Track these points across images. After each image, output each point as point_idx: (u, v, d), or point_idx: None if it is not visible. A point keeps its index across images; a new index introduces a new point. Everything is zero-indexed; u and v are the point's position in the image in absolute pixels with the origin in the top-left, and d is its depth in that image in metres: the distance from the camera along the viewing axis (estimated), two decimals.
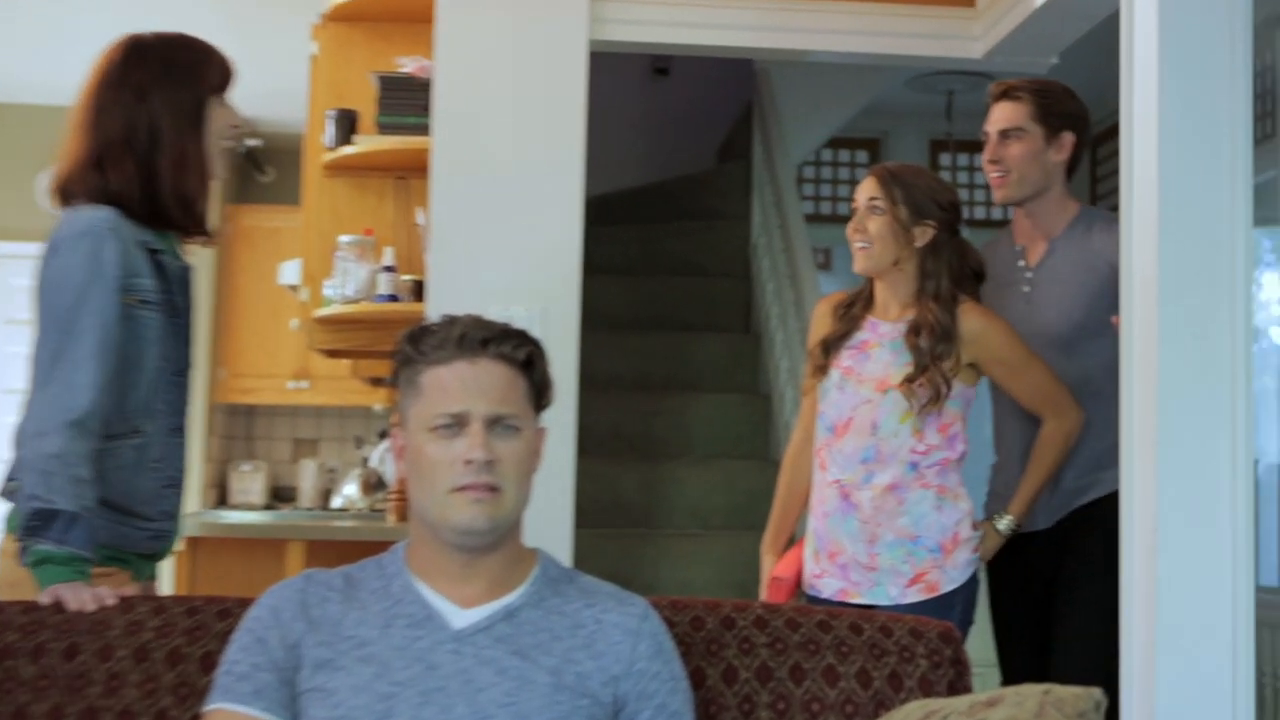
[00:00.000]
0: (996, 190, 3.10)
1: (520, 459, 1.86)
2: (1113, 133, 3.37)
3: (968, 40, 3.76)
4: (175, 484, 2.41)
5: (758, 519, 3.13)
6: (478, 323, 1.87)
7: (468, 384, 1.83)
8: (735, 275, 5.95)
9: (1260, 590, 2.90)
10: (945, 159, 7.29)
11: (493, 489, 1.82)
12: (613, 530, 4.84)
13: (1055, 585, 3.02)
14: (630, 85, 6.85)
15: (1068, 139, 3.08)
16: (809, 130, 6.63)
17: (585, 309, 3.74)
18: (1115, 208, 2.86)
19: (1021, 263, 3.13)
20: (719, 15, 3.83)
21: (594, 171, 3.86)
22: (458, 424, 1.82)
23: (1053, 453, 2.97)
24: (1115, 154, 2.98)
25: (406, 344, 1.88)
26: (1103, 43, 3.33)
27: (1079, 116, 3.11)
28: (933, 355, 2.86)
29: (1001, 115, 3.08)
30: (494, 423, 1.83)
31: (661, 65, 6.97)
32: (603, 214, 6.32)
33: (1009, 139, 3.06)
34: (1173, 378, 2.66)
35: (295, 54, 4.80)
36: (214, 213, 2.51)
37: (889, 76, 6.10)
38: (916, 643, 2.05)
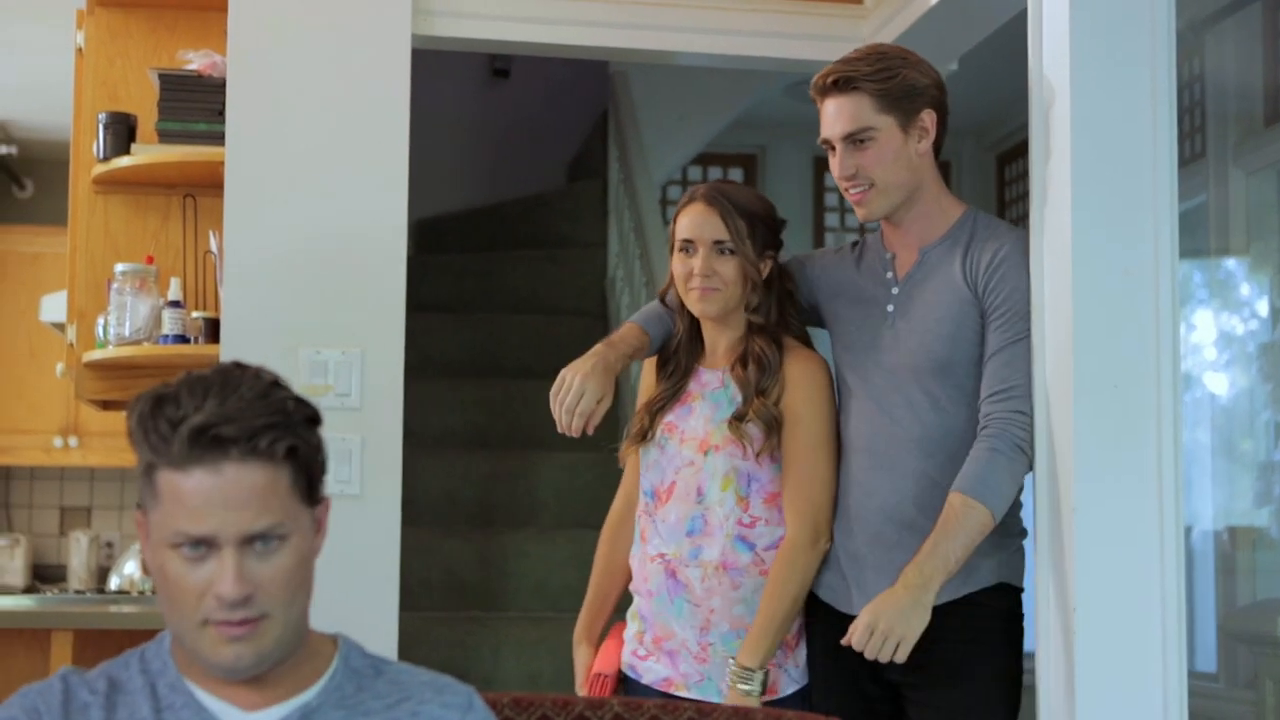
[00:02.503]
0: (859, 208, 2.89)
1: (290, 573, 1.76)
2: (1021, 150, 3.42)
3: (854, 42, 3.81)
4: None
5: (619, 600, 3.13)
6: (225, 403, 1.72)
7: (212, 500, 1.71)
8: (589, 313, 5.98)
9: (1194, 677, 2.94)
10: (830, 178, 7.40)
11: (254, 621, 1.73)
12: (446, 613, 4.81)
13: (902, 693, 2.87)
14: (464, 88, 6.86)
15: (928, 118, 2.85)
16: (674, 144, 6.69)
17: (411, 353, 3.71)
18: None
19: (889, 274, 2.95)
20: (566, 9, 3.84)
21: (421, 190, 3.85)
22: (205, 545, 1.72)
23: (797, 577, 2.87)
24: (1024, 175, 3.03)
25: (138, 423, 1.74)
26: (1008, 48, 3.39)
27: (932, 85, 2.87)
28: (758, 387, 2.91)
29: (839, 115, 2.84)
30: (250, 541, 1.73)
31: (501, 66, 7.00)
32: (431, 240, 6.34)
33: (858, 144, 2.83)
34: (1089, 435, 2.69)
35: (58, 45, 4.73)
36: None
37: (766, 83, 6.18)
38: None
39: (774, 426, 2.89)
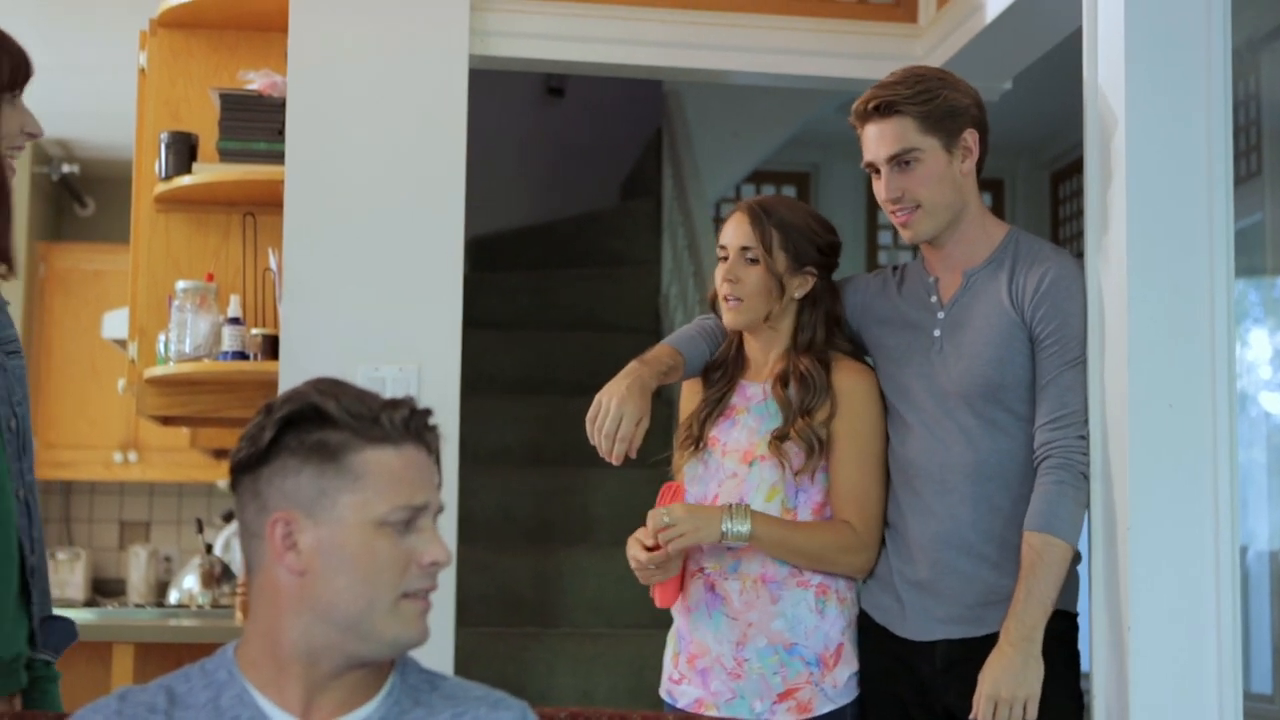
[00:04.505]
0: (904, 230, 2.88)
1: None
2: (1076, 168, 3.41)
3: (908, 60, 3.80)
4: None
5: (670, 616, 3.12)
6: (402, 400, 1.87)
7: (422, 472, 1.84)
8: (643, 330, 5.97)
9: (1250, 698, 2.92)
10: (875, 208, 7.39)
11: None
12: (501, 629, 4.81)
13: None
14: (520, 107, 6.88)
15: (970, 138, 2.85)
16: (727, 162, 6.69)
17: (467, 369, 3.73)
18: (1081, 254, 2.89)
19: (934, 298, 2.93)
20: (621, 28, 3.85)
21: (477, 208, 3.86)
22: (416, 515, 1.82)
23: (832, 544, 2.88)
24: (1079, 193, 3.02)
25: (339, 409, 1.82)
26: (1063, 67, 3.38)
27: (972, 104, 2.87)
28: (802, 408, 2.89)
29: (882, 138, 2.84)
30: (435, 516, 1.87)
31: (556, 85, 7.00)
32: (487, 258, 6.35)
33: (903, 166, 2.83)
34: (1144, 455, 2.68)
35: (121, 65, 4.76)
36: (17, 244, 2.43)
37: (819, 101, 6.17)
38: None
39: (815, 449, 2.87)
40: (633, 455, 2.88)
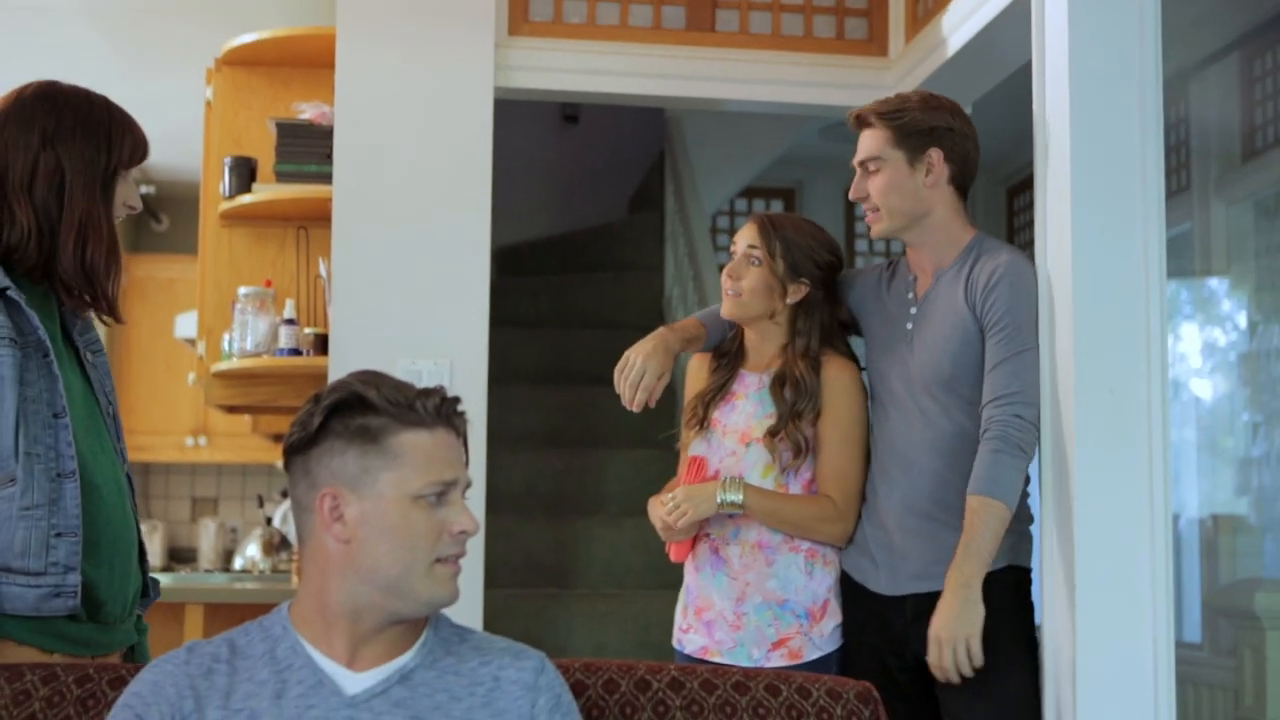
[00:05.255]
0: (872, 226, 2.92)
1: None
2: (1028, 183, 3.40)
3: (880, 90, 3.80)
4: (70, 533, 2.21)
5: (674, 578, 3.12)
6: (434, 390, 1.88)
7: (451, 451, 1.86)
8: (648, 328, 5.88)
9: (1181, 646, 2.92)
10: (861, 208, 7.38)
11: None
12: (524, 590, 4.82)
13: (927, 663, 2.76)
14: (539, 133, 6.87)
15: (934, 156, 2.85)
16: (723, 180, 6.68)
17: (494, 363, 3.73)
18: (1034, 258, 2.89)
19: (910, 295, 2.94)
20: (628, 63, 3.86)
21: (501, 221, 3.86)
22: (448, 490, 1.84)
23: (807, 514, 2.88)
24: (1030, 205, 3.02)
25: (379, 396, 1.83)
26: (1017, 92, 3.38)
27: (942, 127, 2.86)
28: (793, 411, 2.89)
29: (861, 145, 2.91)
30: (463, 491, 1.88)
31: (571, 113, 7.00)
32: (511, 265, 6.35)
33: (870, 170, 2.88)
34: (1089, 433, 2.68)
35: (190, 98, 4.77)
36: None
37: (803, 126, 6.17)
38: (834, 704, 2.06)
39: (802, 449, 2.89)
40: (651, 405, 2.92)
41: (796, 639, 2.88)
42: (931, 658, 2.68)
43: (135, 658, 2.41)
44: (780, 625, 2.88)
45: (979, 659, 2.65)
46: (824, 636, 2.90)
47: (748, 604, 2.89)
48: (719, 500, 2.84)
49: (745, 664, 2.84)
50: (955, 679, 2.66)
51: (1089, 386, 2.69)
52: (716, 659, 2.87)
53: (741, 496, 2.84)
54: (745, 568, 2.90)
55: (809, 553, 2.90)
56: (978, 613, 2.65)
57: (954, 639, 2.64)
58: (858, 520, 2.93)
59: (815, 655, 2.88)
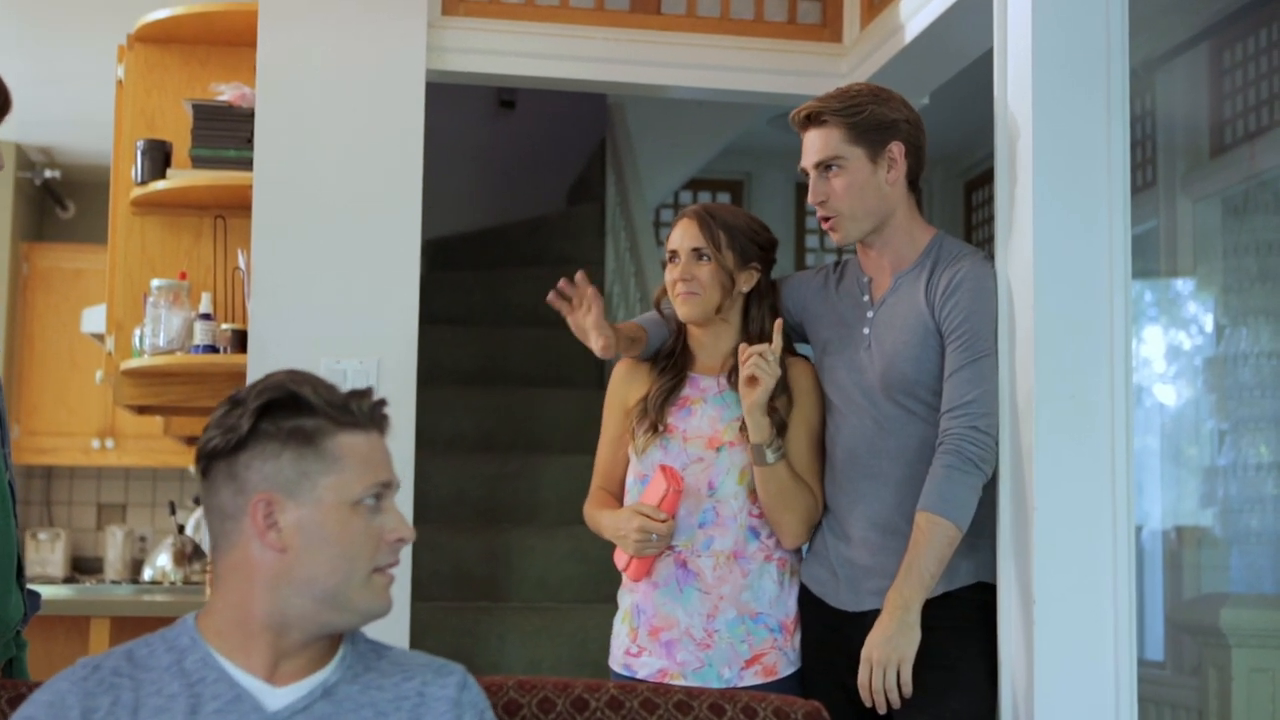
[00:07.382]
0: (833, 234, 2.88)
1: None
2: (987, 177, 3.42)
3: (834, 78, 3.82)
4: None
5: (612, 591, 3.12)
6: (364, 390, 1.89)
7: (384, 454, 1.87)
8: None
9: (1144, 665, 2.95)
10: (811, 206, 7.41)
11: None
12: (454, 604, 4.79)
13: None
14: (473, 118, 6.86)
15: (896, 150, 2.84)
16: (667, 171, 6.69)
17: (423, 362, 3.71)
18: (993, 256, 2.91)
19: (866, 298, 2.94)
20: (567, 46, 3.85)
21: (433, 212, 3.84)
22: (385, 492, 1.86)
23: (812, 502, 2.94)
24: (990, 200, 3.03)
25: (313, 395, 1.82)
26: (976, 83, 3.40)
27: (902, 120, 2.86)
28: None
29: (812, 146, 2.86)
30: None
31: (507, 98, 6.99)
32: (442, 258, 6.33)
33: (828, 172, 2.85)
34: (1049, 441, 2.70)
35: (100, 77, 4.73)
36: (2, 249, 2.40)
37: (752, 114, 6.18)
38: None
39: (781, 428, 2.91)
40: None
41: (771, 654, 2.89)
42: (861, 678, 2.69)
43: (13, 673, 2.38)
44: (754, 640, 2.88)
45: (908, 687, 2.66)
46: (797, 650, 2.92)
47: (719, 619, 2.88)
48: (770, 440, 2.85)
49: (715, 685, 2.83)
50: (881, 705, 2.67)
51: (1049, 392, 2.71)
52: (678, 682, 2.85)
53: (779, 456, 2.87)
54: (720, 580, 2.89)
55: (780, 562, 2.93)
56: (912, 638, 2.67)
57: (885, 661, 2.66)
58: (818, 528, 2.95)
59: (790, 670, 2.90)
